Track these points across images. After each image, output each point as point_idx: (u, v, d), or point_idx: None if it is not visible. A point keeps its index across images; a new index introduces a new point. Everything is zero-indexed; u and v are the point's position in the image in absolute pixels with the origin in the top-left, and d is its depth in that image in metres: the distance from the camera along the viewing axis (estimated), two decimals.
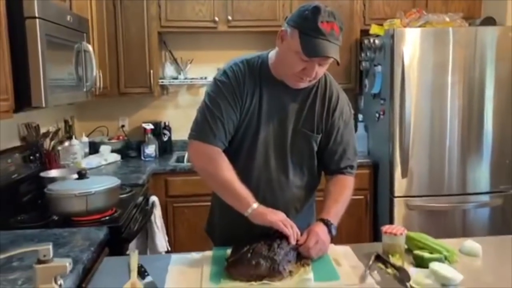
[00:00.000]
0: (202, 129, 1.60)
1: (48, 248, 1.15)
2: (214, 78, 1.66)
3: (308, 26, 1.45)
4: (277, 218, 1.51)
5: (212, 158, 1.59)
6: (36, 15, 1.80)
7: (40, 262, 1.15)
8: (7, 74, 1.74)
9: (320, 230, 1.54)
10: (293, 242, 1.47)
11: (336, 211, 1.62)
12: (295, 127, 1.65)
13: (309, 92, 1.65)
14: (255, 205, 1.53)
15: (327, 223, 1.57)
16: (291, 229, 1.48)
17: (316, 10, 1.45)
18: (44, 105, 1.87)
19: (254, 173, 1.66)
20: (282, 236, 1.48)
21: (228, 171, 1.58)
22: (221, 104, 1.58)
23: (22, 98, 1.84)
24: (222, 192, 1.62)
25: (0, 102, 1.69)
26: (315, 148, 1.70)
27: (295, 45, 1.47)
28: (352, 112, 1.76)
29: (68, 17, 2.18)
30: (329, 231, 1.56)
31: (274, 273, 1.37)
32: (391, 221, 3.14)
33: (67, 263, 1.16)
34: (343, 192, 1.69)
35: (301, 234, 1.53)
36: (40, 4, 1.83)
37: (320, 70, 1.54)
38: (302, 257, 1.48)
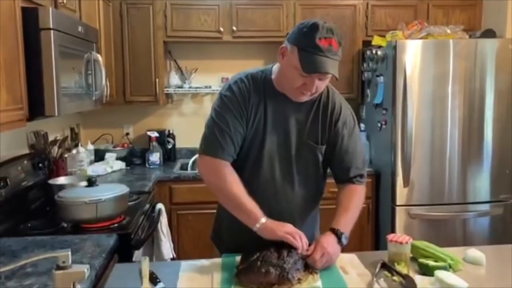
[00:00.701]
0: (211, 143, 1.64)
1: (67, 254, 1.18)
2: (220, 93, 1.69)
3: (306, 43, 1.49)
4: (285, 231, 1.54)
5: (220, 172, 1.63)
6: (51, 26, 1.85)
7: (59, 268, 1.18)
8: (23, 84, 1.78)
9: (328, 242, 1.56)
10: (302, 252, 1.51)
11: (346, 221, 1.65)
12: (299, 139, 1.69)
13: (312, 104, 1.69)
14: (263, 219, 1.55)
15: (336, 233, 1.59)
16: (300, 240, 1.52)
17: (314, 27, 1.49)
18: (57, 114, 1.91)
19: (260, 185, 1.69)
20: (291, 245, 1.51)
21: (236, 185, 1.61)
22: (228, 119, 1.63)
23: (35, 107, 1.87)
24: (230, 206, 1.65)
25: (15, 111, 1.73)
26: (321, 159, 1.73)
27: (294, 61, 1.52)
28: (355, 120, 1.79)
29: (80, 28, 2.23)
30: (339, 241, 1.58)
31: (283, 280, 1.40)
32: (392, 230, 3.17)
33: (85, 269, 1.19)
34: (352, 200, 1.71)
35: (309, 244, 1.56)
36: (54, 16, 1.87)
37: (321, 85, 1.57)
38: (310, 265, 1.51)
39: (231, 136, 1.63)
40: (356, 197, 1.73)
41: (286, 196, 1.72)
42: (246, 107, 1.64)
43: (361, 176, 1.76)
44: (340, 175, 1.76)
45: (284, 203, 1.71)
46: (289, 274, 1.40)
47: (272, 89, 1.66)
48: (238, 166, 1.67)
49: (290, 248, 1.50)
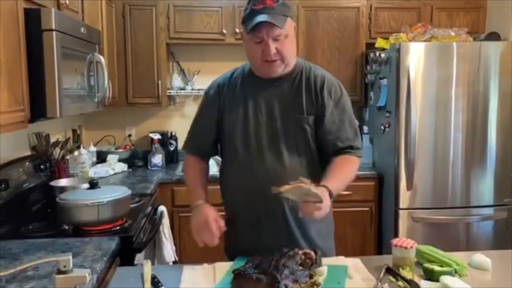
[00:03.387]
0: (186, 139, 1.88)
1: (68, 259, 1.17)
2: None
3: (246, 14, 1.63)
4: (194, 221, 1.64)
5: (184, 165, 1.91)
6: (53, 27, 1.83)
7: (60, 272, 1.17)
8: (24, 85, 1.76)
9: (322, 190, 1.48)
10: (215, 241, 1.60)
11: (333, 180, 1.57)
12: (283, 113, 1.70)
13: (293, 79, 1.72)
14: (200, 201, 1.69)
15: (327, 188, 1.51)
16: (215, 229, 1.59)
17: (249, 0, 1.62)
18: (58, 115, 1.90)
19: (253, 168, 1.69)
20: (295, 253, 1.48)
21: (191, 172, 1.84)
22: (202, 115, 1.84)
23: (37, 109, 1.86)
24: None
25: (17, 113, 1.72)
26: (309, 130, 1.70)
27: (245, 35, 1.66)
28: (344, 92, 1.76)
29: (82, 29, 2.22)
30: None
31: None
32: (395, 233, 3.15)
33: (87, 273, 1.19)
34: (343, 166, 1.66)
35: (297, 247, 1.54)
36: (57, 17, 1.86)
37: (281, 46, 1.61)
38: (315, 277, 1.45)
39: (201, 131, 1.81)
40: (347, 165, 1.68)
41: (276, 174, 1.66)
42: (220, 102, 1.75)
43: (352, 147, 1.71)
44: (329, 147, 1.71)
45: (276, 182, 1.58)
46: (281, 284, 1.33)
47: (252, 75, 1.74)
48: (231, 155, 1.75)
49: (293, 257, 1.45)
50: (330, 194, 1.50)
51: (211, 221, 1.60)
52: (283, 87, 1.71)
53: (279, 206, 1.68)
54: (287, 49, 1.63)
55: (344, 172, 1.66)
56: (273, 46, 1.59)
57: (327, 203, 1.46)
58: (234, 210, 1.80)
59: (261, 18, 1.56)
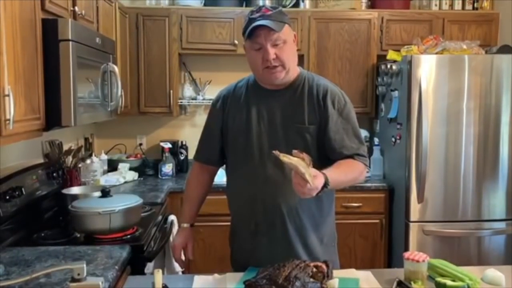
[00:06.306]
0: (197, 149, 1.95)
1: (82, 267, 1.18)
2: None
3: (245, 25, 1.67)
4: (172, 243, 1.98)
5: (189, 173, 2.05)
6: (70, 38, 1.86)
7: (74, 280, 1.18)
8: (41, 94, 1.79)
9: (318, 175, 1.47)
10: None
11: (333, 171, 1.55)
12: (284, 123, 1.72)
13: (296, 89, 1.74)
14: (185, 224, 1.95)
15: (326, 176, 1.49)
16: (178, 256, 1.93)
17: (249, 13, 1.69)
18: (73, 124, 1.92)
19: (254, 175, 1.73)
20: (307, 265, 1.48)
21: (190, 186, 1.98)
22: (208, 125, 1.90)
23: (52, 117, 1.88)
24: None
25: (32, 121, 1.74)
26: (310, 140, 1.71)
27: (246, 46, 1.70)
28: (348, 101, 1.77)
29: (97, 39, 2.25)
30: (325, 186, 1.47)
31: None
32: (406, 246, 3.13)
33: (100, 282, 1.19)
34: (346, 165, 1.65)
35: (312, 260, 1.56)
36: (73, 28, 1.89)
37: (281, 52, 1.63)
38: None
39: (209, 141, 1.87)
40: (351, 167, 1.67)
41: (276, 181, 1.70)
42: (224, 114, 1.80)
43: (358, 155, 1.71)
44: (336, 156, 1.71)
45: (276, 189, 1.70)
46: None
47: (257, 86, 1.78)
48: (234, 162, 1.81)
49: (304, 269, 1.46)
50: (326, 182, 1.47)
51: (176, 250, 1.93)
52: (285, 96, 1.74)
53: (278, 215, 1.71)
54: (286, 55, 1.66)
55: (346, 170, 1.66)
56: (272, 52, 1.62)
57: (315, 187, 1.42)
58: (235, 218, 1.86)
59: (258, 23, 1.61)
